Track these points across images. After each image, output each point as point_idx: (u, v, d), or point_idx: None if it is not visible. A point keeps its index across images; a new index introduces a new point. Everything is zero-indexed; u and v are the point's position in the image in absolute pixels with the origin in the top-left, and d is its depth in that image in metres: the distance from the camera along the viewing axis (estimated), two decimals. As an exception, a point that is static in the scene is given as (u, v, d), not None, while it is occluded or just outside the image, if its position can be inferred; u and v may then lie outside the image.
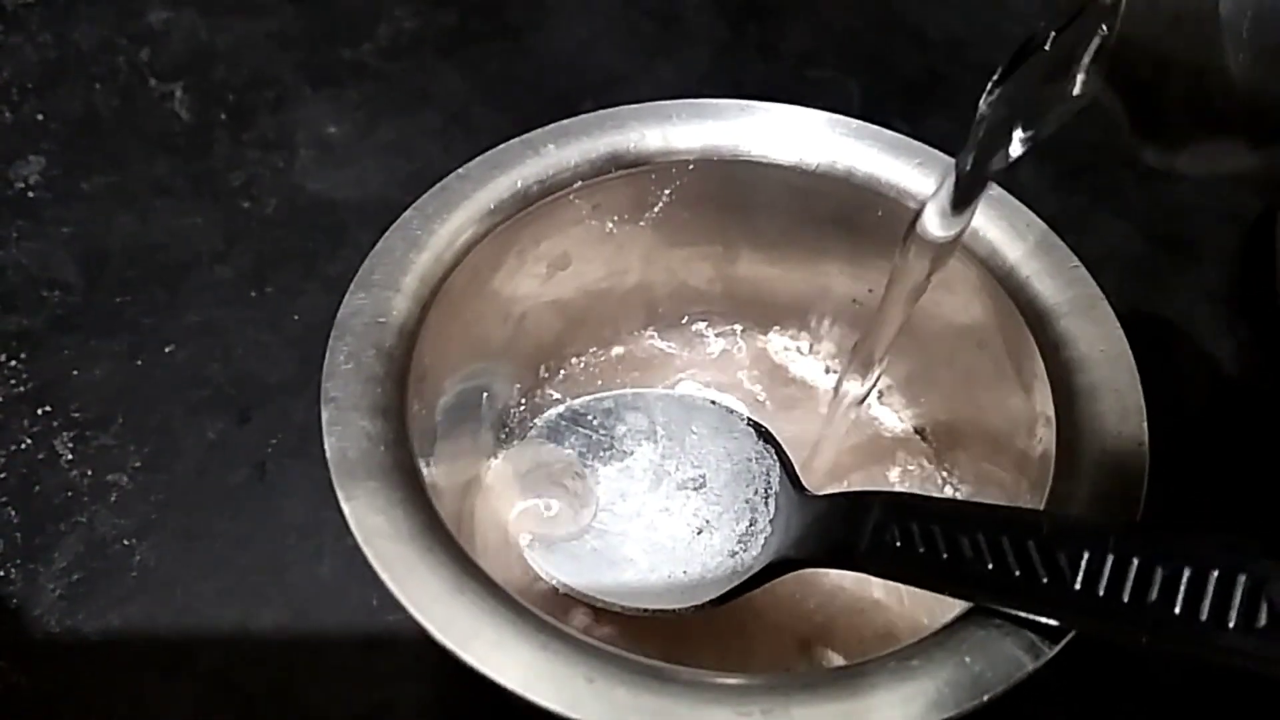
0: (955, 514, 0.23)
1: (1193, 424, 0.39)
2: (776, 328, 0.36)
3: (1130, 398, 0.25)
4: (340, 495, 0.23)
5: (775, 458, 0.30)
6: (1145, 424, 0.25)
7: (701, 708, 0.20)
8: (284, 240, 0.43)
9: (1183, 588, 0.18)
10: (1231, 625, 0.17)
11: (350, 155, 0.47)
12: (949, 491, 0.33)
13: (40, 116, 0.47)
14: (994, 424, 0.31)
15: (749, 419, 0.31)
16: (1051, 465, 0.25)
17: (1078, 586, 0.19)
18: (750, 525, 0.29)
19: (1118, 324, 0.27)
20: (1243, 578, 0.18)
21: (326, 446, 0.24)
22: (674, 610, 0.28)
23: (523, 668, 0.20)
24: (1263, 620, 0.17)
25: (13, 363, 0.38)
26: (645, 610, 0.29)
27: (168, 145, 0.47)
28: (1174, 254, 0.45)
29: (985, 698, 0.20)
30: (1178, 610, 0.18)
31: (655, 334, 0.37)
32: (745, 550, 0.29)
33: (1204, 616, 0.18)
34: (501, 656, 0.20)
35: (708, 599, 0.28)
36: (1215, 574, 0.18)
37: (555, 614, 0.29)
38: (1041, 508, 0.24)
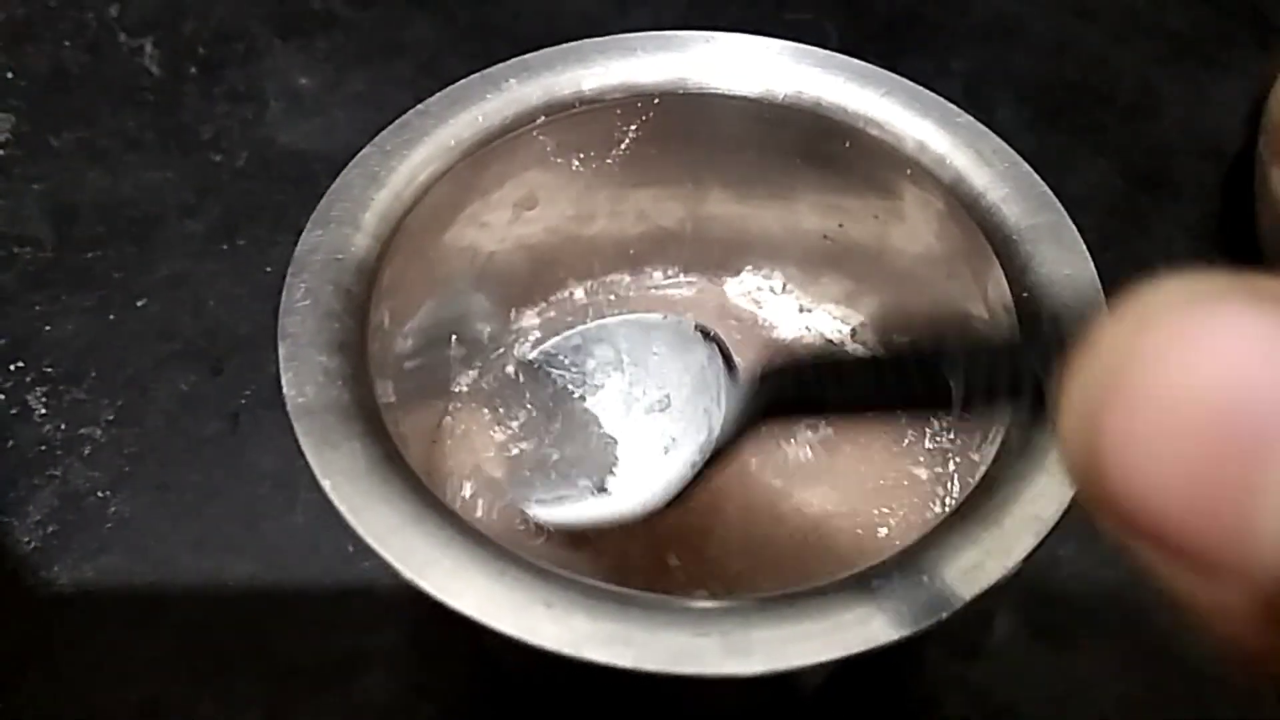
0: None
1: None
2: (749, 267, 0.36)
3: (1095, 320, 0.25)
4: (298, 430, 0.23)
5: (718, 353, 0.30)
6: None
7: (660, 631, 0.20)
8: (254, 193, 0.43)
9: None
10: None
11: (320, 106, 0.46)
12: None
13: (9, 74, 0.47)
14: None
15: (697, 324, 0.31)
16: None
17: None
18: (709, 434, 0.29)
19: (1083, 246, 0.27)
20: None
21: (284, 382, 0.23)
22: (622, 518, 0.28)
23: (479, 595, 0.20)
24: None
25: (-17, 319, 0.38)
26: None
27: (137, 100, 0.46)
28: (1154, 192, 0.45)
29: (944, 615, 0.20)
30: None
31: (626, 275, 0.36)
32: (703, 456, 0.29)
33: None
34: (458, 584, 0.20)
35: (654, 506, 0.28)
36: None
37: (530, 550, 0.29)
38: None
